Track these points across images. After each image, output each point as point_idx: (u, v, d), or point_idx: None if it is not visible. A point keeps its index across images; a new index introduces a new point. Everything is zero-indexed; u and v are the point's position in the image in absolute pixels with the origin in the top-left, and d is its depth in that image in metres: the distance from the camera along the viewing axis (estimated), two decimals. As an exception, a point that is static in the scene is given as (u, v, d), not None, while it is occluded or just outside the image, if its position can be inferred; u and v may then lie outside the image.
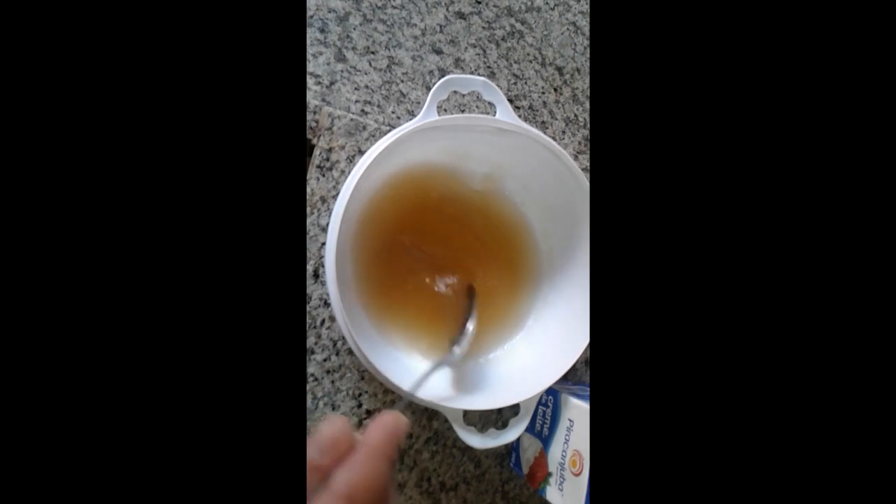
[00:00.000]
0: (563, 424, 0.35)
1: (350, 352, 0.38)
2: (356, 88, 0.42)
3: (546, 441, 0.36)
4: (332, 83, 0.42)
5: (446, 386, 0.37)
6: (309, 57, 0.41)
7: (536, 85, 0.49)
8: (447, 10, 0.47)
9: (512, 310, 0.41)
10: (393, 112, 0.43)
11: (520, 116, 0.36)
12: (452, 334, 0.40)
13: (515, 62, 0.48)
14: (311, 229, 0.38)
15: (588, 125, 0.50)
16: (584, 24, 0.52)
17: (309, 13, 0.42)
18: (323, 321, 0.38)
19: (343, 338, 0.38)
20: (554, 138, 0.46)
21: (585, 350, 0.36)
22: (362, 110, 0.42)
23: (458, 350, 0.35)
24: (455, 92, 0.40)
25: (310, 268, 0.38)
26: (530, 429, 0.38)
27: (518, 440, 0.40)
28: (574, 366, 0.36)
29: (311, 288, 0.38)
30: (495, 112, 0.36)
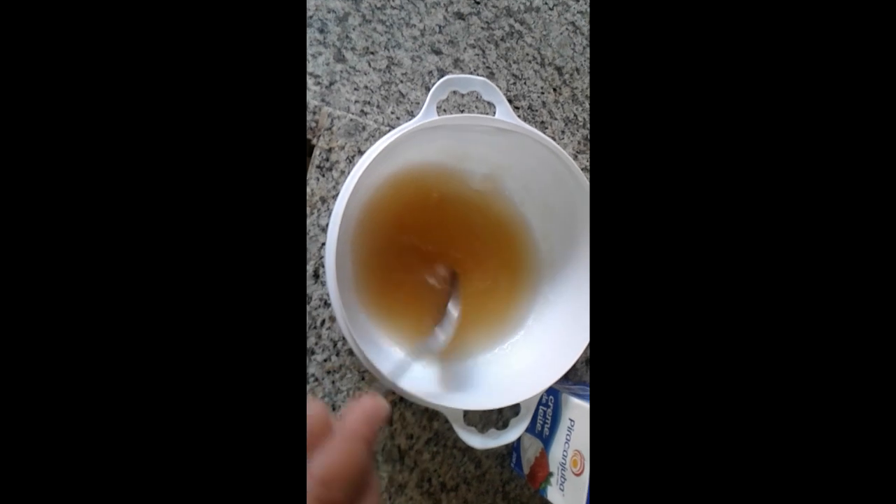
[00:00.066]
0: (563, 424, 0.35)
1: (350, 352, 0.38)
2: (356, 89, 0.42)
3: (547, 441, 0.36)
4: (331, 83, 0.42)
5: (446, 386, 0.37)
6: (308, 57, 0.41)
7: (536, 85, 0.49)
8: (446, 10, 0.47)
9: (512, 309, 0.41)
10: (392, 112, 0.43)
11: (519, 116, 0.36)
12: (453, 335, 0.40)
13: (514, 62, 0.48)
14: (311, 230, 0.38)
15: (587, 125, 0.50)
16: (584, 23, 0.52)
17: (308, 14, 0.42)
18: (323, 321, 0.38)
19: (343, 338, 0.38)
20: (553, 138, 0.46)
21: (586, 349, 0.36)
22: (362, 111, 0.42)
23: (441, 335, 0.35)
24: (454, 92, 0.40)
25: (310, 268, 0.38)
26: (531, 429, 0.38)
27: (519, 440, 0.40)
28: (574, 365, 0.36)
29: (312, 288, 0.38)
30: (495, 112, 0.36)
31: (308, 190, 0.38)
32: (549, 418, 0.37)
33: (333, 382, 0.37)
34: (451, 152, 0.39)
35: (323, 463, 0.20)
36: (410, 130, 0.32)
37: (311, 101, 0.40)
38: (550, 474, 0.35)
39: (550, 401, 0.37)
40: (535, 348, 0.39)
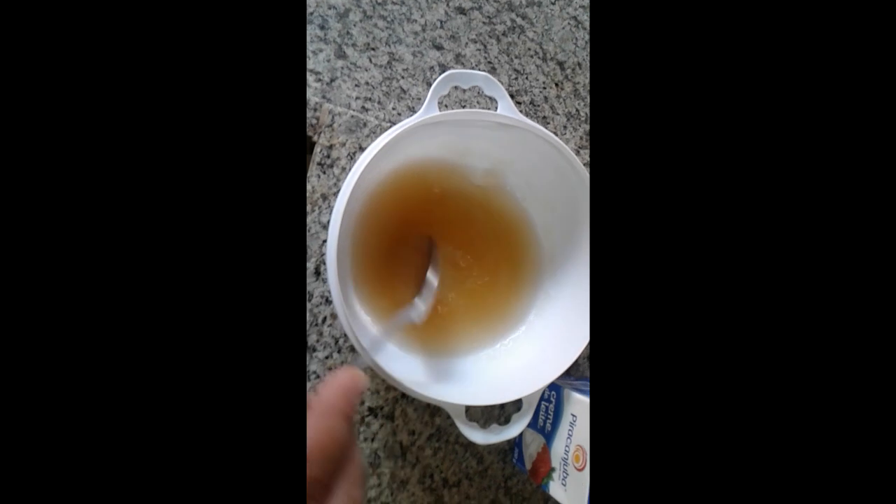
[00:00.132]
0: (565, 420, 0.35)
1: (352, 349, 0.38)
2: (356, 85, 0.42)
3: (549, 436, 0.36)
4: (332, 80, 0.41)
5: (448, 381, 0.37)
6: (309, 54, 0.41)
7: (537, 80, 0.49)
8: (447, 5, 0.47)
9: (513, 305, 0.41)
10: (394, 108, 0.43)
11: (521, 112, 0.36)
12: (454, 331, 0.40)
13: (516, 57, 0.48)
14: (312, 227, 0.38)
15: (589, 120, 0.50)
16: (585, 18, 0.52)
17: (309, 10, 0.42)
18: (324, 319, 0.38)
19: (345, 335, 0.38)
20: (555, 133, 0.45)
21: (587, 345, 0.36)
22: (363, 107, 0.42)
23: (421, 304, 0.35)
24: (456, 87, 0.40)
25: (311, 265, 0.38)
26: (533, 424, 0.38)
27: (521, 436, 0.40)
28: (576, 361, 0.36)
29: (313, 285, 0.38)
30: (496, 107, 0.36)
31: (309, 187, 0.38)
32: (551, 414, 0.37)
33: (336, 379, 0.37)
34: (453, 148, 0.39)
35: None
36: (412, 126, 0.32)
37: (312, 97, 0.40)
38: (553, 469, 0.35)
39: (552, 396, 0.37)
40: (536, 344, 0.39)
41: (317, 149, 0.39)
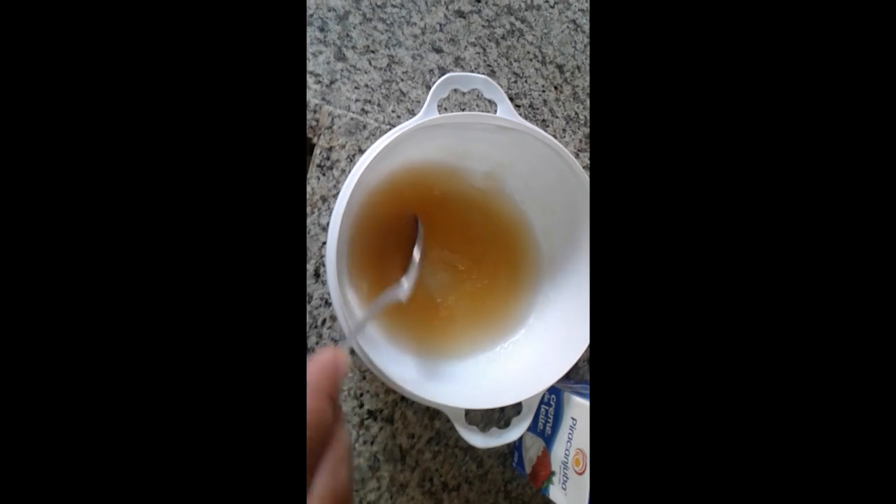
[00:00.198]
0: (565, 423, 0.35)
1: (351, 351, 0.38)
2: (356, 87, 0.42)
3: (549, 440, 0.36)
4: (332, 82, 0.41)
5: (447, 385, 0.37)
6: (309, 56, 0.41)
7: (537, 83, 0.49)
8: (447, 8, 0.47)
9: (513, 308, 0.41)
10: (393, 111, 0.43)
11: (520, 115, 0.36)
12: (453, 334, 0.40)
13: (515, 60, 0.48)
14: (312, 228, 0.38)
15: (588, 123, 0.50)
16: (584, 21, 0.52)
17: (309, 12, 0.42)
18: (324, 321, 0.37)
19: (344, 337, 0.37)
20: (554, 136, 0.45)
21: (587, 348, 0.36)
22: (362, 109, 0.42)
23: (405, 282, 0.35)
24: (455, 90, 0.40)
25: (311, 267, 0.38)
26: (533, 428, 0.38)
27: (520, 439, 0.40)
28: (576, 364, 0.35)
29: (313, 287, 0.37)
30: (496, 110, 0.36)
31: (309, 189, 0.38)
32: (551, 417, 0.36)
33: (334, 382, 0.37)
34: (452, 150, 0.39)
35: None
36: (411, 129, 0.32)
37: (312, 99, 0.40)
38: (553, 473, 0.35)
39: (552, 399, 0.37)
40: (536, 347, 0.39)
41: (316, 151, 0.39)
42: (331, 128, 0.40)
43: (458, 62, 0.46)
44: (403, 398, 0.39)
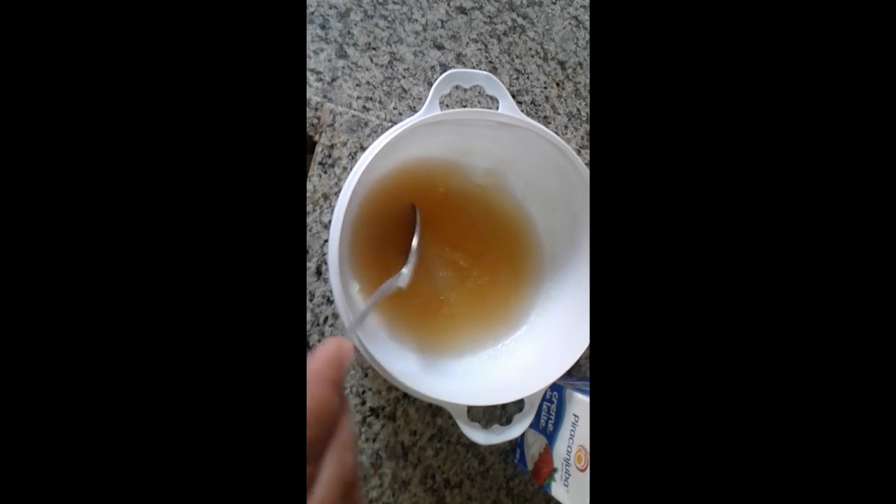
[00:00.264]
0: (567, 420, 0.35)
1: (353, 348, 0.38)
2: (357, 85, 0.42)
3: (551, 437, 0.36)
4: (333, 80, 0.41)
5: (449, 382, 0.37)
6: (310, 53, 0.41)
7: (538, 80, 0.48)
8: (448, 5, 0.47)
9: (514, 305, 0.41)
10: (395, 108, 0.43)
11: (522, 112, 0.36)
12: (455, 331, 0.40)
13: (517, 57, 0.48)
14: (314, 226, 0.38)
15: (590, 120, 0.50)
16: (586, 18, 0.52)
17: (310, 9, 0.42)
18: (326, 318, 0.38)
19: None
20: (556, 133, 0.45)
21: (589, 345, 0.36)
22: (364, 106, 0.42)
23: (405, 270, 0.35)
24: (457, 87, 0.40)
25: (313, 265, 0.38)
26: (535, 425, 0.38)
27: (522, 436, 0.40)
28: (578, 361, 0.35)
29: (315, 285, 0.38)
30: (498, 107, 0.35)
31: (310, 186, 0.38)
32: (553, 414, 0.36)
33: (337, 379, 0.37)
34: (454, 147, 0.38)
35: None
36: (413, 126, 0.32)
37: (313, 97, 0.40)
38: (555, 470, 0.35)
39: (554, 396, 0.37)
40: (538, 344, 0.39)
41: (318, 148, 0.39)
42: (332, 125, 0.39)
43: (460, 59, 0.46)
44: (405, 395, 0.39)
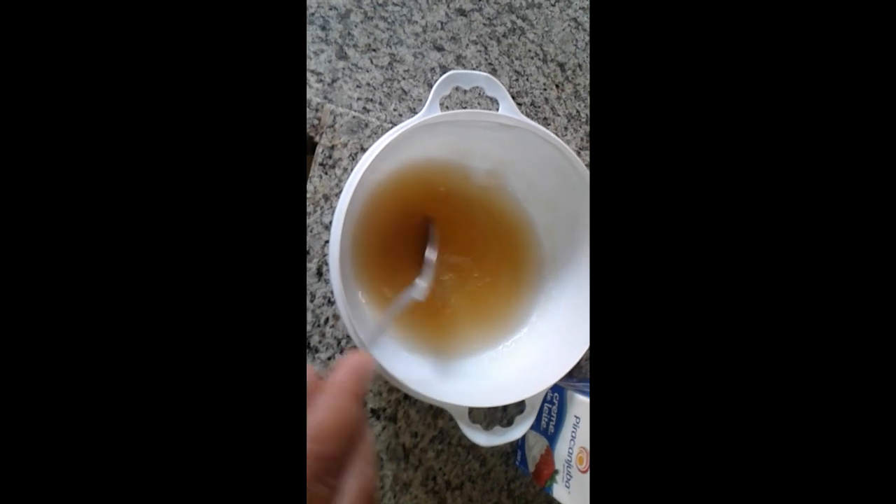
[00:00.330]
0: (569, 421, 0.35)
1: (355, 349, 0.38)
2: (358, 86, 0.42)
3: (552, 438, 0.36)
4: (333, 81, 0.41)
5: (450, 383, 0.37)
6: (310, 54, 0.41)
7: (538, 81, 0.49)
8: (448, 6, 0.47)
9: (515, 306, 0.41)
10: (395, 109, 0.43)
11: (522, 113, 0.36)
12: (456, 332, 0.39)
13: (517, 59, 0.48)
14: (315, 227, 0.38)
15: (589, 121, 0.50)
16: (585, 19, 0.52)
17: (310, 11, 0.42)
18: (327, 319, 0.37)
19: (347, 336, 0.37)
20: (556, 134, 0.45)
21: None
22: (364, 108, 0.42)
23: (421, 282, 0.35)
24: (457, 88, 0.40)
25: (314, 266, 0.38)
26: (536, 426, 0.38)
27: (524, 438, 0.40)
28: (579, 363, 0.35)
29: (315, 286, 0.37)
30: (498, 108, 0.36)
31: (311, 187, 0.38)
32: (555, 415, 0.36)
33: (337, 380, 0.37)
34: (454, 148, 0.38)
35: (314, 420, 0.20)
36: (413, 127, 0.32)
37: (314, 98, 0.40)
38: (556, 472, 0.35)
39: (555, 398, 0.37)
40: (539, 345, 0.39)
41: (318, 149, 0.39)
42: (333, 126, 0.39)
43: (460, 60, 0.46)
44: (406, 397, 0.39)
